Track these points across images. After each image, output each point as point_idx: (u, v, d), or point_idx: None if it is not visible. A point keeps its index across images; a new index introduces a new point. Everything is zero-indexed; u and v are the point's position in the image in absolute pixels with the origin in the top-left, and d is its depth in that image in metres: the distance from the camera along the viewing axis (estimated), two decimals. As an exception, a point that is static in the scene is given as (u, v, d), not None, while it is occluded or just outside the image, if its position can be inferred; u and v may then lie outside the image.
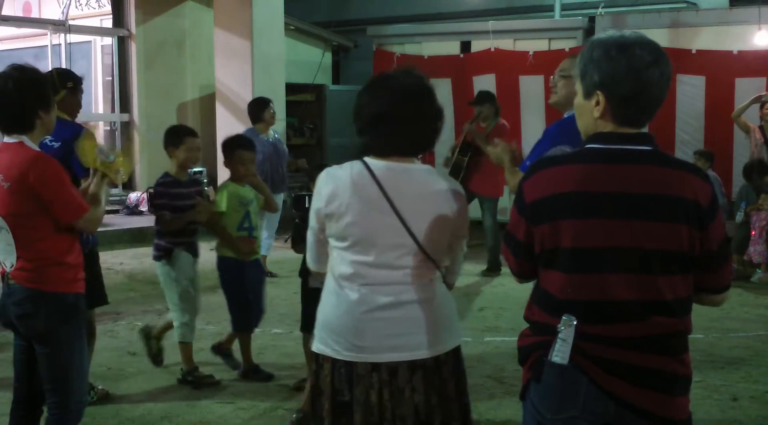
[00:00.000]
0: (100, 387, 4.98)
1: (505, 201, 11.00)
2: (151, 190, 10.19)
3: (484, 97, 8.98)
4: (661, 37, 10.13)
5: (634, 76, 2.14)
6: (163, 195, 5.22)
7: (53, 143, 4.45)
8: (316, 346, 2.75)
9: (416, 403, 2.64)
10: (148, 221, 11.45)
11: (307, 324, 4.97)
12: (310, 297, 4.78)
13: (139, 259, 9.72)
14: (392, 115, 2.62)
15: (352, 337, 2.64)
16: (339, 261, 2.69)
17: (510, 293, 7.38)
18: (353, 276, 2.65)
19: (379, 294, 2.63)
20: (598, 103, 2.18)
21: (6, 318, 3.41)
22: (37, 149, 3.33)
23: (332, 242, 2.71)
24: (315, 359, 2.77)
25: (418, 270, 2.66)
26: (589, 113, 2.22)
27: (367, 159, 2.68)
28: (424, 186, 2.66)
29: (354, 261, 2.65)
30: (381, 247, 2.62)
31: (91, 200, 3.44)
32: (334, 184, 2.65)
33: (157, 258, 5.27)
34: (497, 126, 8.68)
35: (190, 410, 4.83)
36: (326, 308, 2.74)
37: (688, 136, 10.49)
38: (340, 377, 2.67)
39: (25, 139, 3.30)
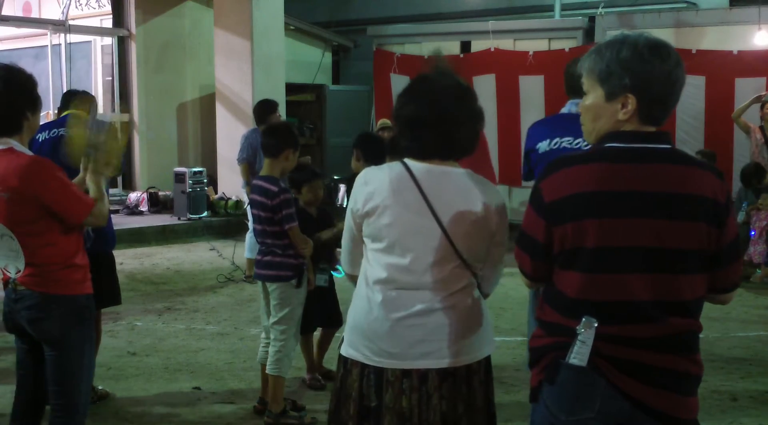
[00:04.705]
0: (100, 387, 4.97)
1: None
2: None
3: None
4: (661, 37, 10.01)
5: (665, 77, 2.13)
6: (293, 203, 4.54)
7: None
8: (345, 350, 2.70)
9: (443, 411, 2.61)
10: (148, 221, 11.48)
11: (307, 325, 4.98)
12: (311, 296, 4.79)
13: (139, 259, 9.72)
14: (431, 118, 2.58)
15: (382, 343, 2.60)
16: (373, 264, 2.64)
17: (510, 293, 7.37)
18: (387, 280, 2.60)
19: (413, 299, 2.58)
20: (624, 106, 2.14)
21: (13, 323, 3.38)
22: (29, 153, 3.27)
23: (368, 243, 2.66)
24: (343, 363, 2.72)
25: (454, 276, 2.59)
26: (609, 115, 2.18)
27: (407, 160, 2.63)
28: (464, 190, 2.58)
29: (389, 265, 2.60)
30: (417, 250, 2.57)
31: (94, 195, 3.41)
32: (373, 184, 2.61)
33: (288, 278, 4.50)
34: None
35: (190, 410, 4.83)
36: (357, 312, 2.68)
37: (688, 136, 10.49)
38: (369, 382, 2.63)
39: (14, 143, 3.24)
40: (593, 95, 2.21)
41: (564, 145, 3.78)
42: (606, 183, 2.11)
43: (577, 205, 2.12)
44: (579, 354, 2.09)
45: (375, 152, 4.70)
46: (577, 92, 3.39)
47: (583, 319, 2.09)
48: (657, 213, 2.09)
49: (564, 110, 3.98)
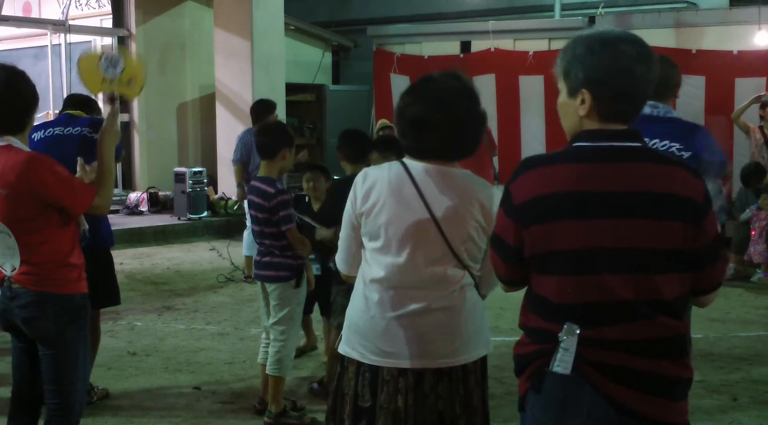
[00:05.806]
0: (100, 387, 4.97)
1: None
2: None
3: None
4: (661, 37, 10.12)
5: (621, 71, 2.09)
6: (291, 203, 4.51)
7: (92, 135, 4.50)
8: (342, 348, 2.71)
9: (440, 410, 2.61)
10: (148, 221, 11.48)
11: (307, 306, 4.99)
12: (325, 282, 4.77)
13: (139, 259, 9.72)
14: (436, 120, 2.56)
15: (379, 342, 2.61)
16: (371, 263, 2.65)
17: (509, 293, 7.38)
18: (384, 279, 2.61)
19: (409, 298, 2.59)
20: (583, 102, 2.12)
21: (7, 322, 3.38)
22: (27, 149, 3.27)
23: (366, 242, 2.66)
24: (340, 361, 2.73)
25: (451, 276, 2.60)
26: (573, 112, 2.15)
27: (406, 160, 2.63)
28: (463, 191, 2.59)
29: (385, 264, 2.60)
30: (414, 249, 2.57)
31: (99, 163, 3.40)
32: (371, 183, 2.62)
33: (287, 278, 4.48)
34: None
35: (190, 410, 4.83)
36: (354, 311, 2.69)
37: (688, 135, 10.48)
38: (364, 381, 2.64)
39: (13, 140, 3.24)
40: (562, 94, 2.20)
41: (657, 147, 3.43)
42: (576, 183, 2.07)
43: (547, 207, 2.07)
44: (562, 362, 2.04)
45: (354, 152, 4.68)
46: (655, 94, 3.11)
47: (565, 326, 2.05)
48: (629, 213, 2.05)
49: (646, 111, 3.81)
